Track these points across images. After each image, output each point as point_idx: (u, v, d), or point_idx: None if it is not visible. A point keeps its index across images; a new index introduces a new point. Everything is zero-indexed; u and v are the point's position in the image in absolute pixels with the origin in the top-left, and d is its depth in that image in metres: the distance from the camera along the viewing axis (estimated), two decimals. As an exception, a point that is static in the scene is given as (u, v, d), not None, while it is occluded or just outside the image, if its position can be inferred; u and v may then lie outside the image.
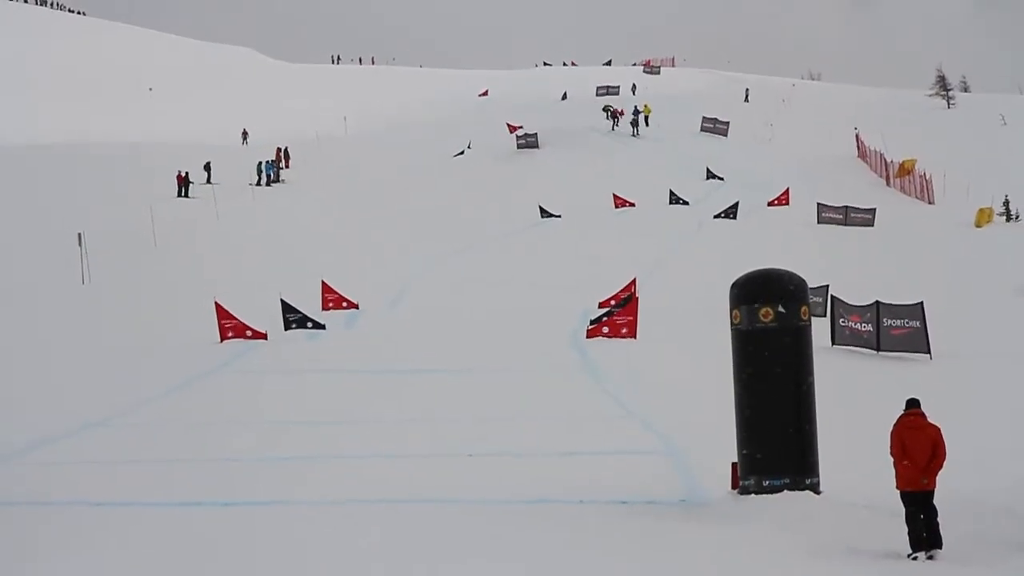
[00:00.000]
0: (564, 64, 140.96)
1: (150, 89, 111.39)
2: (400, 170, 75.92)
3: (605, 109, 76.03)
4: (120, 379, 25.23)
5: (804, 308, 13.29)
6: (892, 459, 12.05)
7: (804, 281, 13.45)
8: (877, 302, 29.64)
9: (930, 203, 63.99)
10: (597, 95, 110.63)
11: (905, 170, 68.96)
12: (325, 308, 38.26)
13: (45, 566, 8.98)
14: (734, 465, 12.69)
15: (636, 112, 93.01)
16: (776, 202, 64.27)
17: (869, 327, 29.62)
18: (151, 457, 15.71)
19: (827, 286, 33.25)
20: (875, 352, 29.13)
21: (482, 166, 78.04)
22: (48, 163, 74.85)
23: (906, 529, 11.90)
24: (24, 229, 53.73)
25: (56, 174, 70.78)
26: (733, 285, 12.79)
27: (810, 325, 13.30)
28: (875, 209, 58.14)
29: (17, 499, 11.92)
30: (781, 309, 12.91)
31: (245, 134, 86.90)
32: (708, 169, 73.93)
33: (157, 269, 46.64)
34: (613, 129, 69.30)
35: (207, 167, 72.67)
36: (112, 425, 19.02)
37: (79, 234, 44.14)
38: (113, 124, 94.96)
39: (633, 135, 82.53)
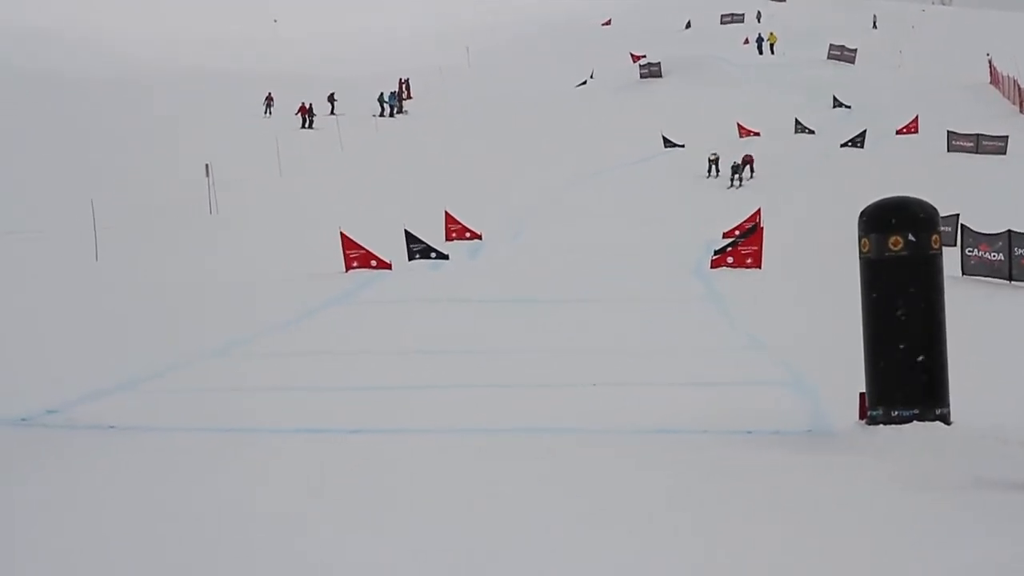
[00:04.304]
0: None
1: (275, 20, 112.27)
2: (522, 100, 75.70)
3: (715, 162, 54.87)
4: (246, 308, 25.54)
5: (935, 236, 13.01)
6: (1027, 390, 11.81)
7: (935, 209, 13.17)
8: (1009, 231, 29.01)
9: (1066, 130, 62.46)
10: (722, 23, 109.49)
11: (1040, 97, 67.44)
12: (448, 238, 38.44)
13: (174, 489, 9.11)
14: (862, 395, 12.50)
15: (760, 40, 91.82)
16: (905, 130, 63.26)
17: (1000, 256, 29.03)
18: (277, 385, 15.89)
19: (957, 215, 32.65)
20: (1007, 282, 28.57)
21: (605, 96, 77.59)
22: (173, 94, 75.73)
23: (1039, 461, 11.66)
24: (152, 159, 54.48)
25: (181, 104, 71.60)
26: (862, 213, 12.54)
27: (941, 254, 13.04)
28: (1008, 137, 56.90)
29: (146, 424, 12.11)
30: (911, 237, 12.64)
31: (269, 100, 73.26)
32: (835, 97, 72.80)
33: (282, 199, 47.10)
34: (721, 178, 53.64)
35: (331, 98, 73.17)
36: (238, 354, 19.27)
37: (206, 164, 44.67)
38: (237, 55, 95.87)
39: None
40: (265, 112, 71.19)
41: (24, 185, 48.78)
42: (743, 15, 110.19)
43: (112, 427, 11.94)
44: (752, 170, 52.79)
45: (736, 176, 52.32)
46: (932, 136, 59.46)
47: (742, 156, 53.53)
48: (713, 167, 53.93)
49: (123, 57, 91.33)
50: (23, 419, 12.14)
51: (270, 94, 72.57)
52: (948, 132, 57.81)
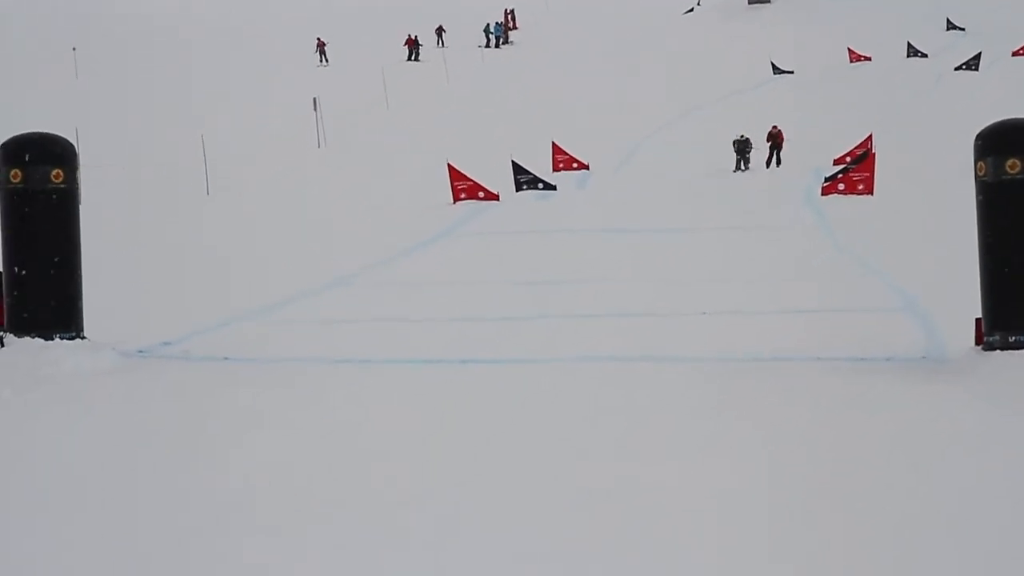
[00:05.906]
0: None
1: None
2: (630, 28, 75.17)
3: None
4: (356, 240, 25.72)
5: (1054, 159, 12.74)
6: None
7: (1054, 131, 12.89)
8: None
9: None
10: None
11: None
12: (556, 169, 38.42)
13: (291, 418, 9.23)
14: (978, 321, 12.31)
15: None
16: (1021, 51, 61.92)
17: (1121, 180, 28.41)
18: (388, 316, 15.99)
19: (1076, 137, 31.97)
20: None
21: (712, 23, 76.85)
22: (276, 29, 76.05)
23: None
24: (262, 94, 54.89)
25: (285, 39, 71.90)
26: (978, 136, 12.29)
27: (1060, 176, 12.77)
28: None
29: (260, 356, 12.27)
30: (1030, 160, 12.39)
31: (321, 46, 71.31)
32: (948, 20, 71.45)
33: (390, 132, 47.27)
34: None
35: (438, 31, 73.18)
36: (350, 286, 19.41)
37: (314, 98, 44.94)
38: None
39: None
40: (320, 61, 70.04)
41: (137, 120, 49.41)
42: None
43: (227, 359, 12.10)
44: (779, 157, 41.75)
45: (742, 160, 41.27)
46: (1049, 57, 58.16)
47: (768, 131, 41.75)
48: (739, 154, 41.49)
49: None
50: (140, 351, 12.33)
51: (320, 39, 71.35)
52: (1066, 53, 56.57)
